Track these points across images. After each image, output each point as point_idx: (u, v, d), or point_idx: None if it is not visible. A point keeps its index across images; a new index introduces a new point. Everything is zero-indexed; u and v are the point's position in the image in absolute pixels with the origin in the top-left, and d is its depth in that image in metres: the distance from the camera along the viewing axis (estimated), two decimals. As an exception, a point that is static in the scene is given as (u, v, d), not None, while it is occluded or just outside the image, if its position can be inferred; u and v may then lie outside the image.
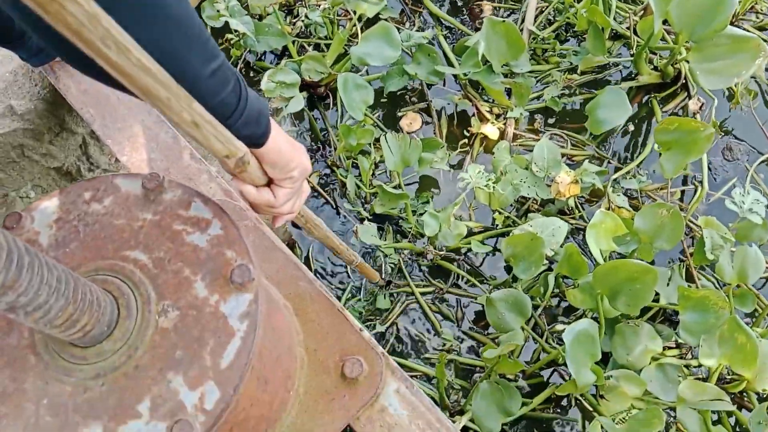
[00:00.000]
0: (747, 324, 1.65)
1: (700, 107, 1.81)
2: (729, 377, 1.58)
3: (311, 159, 1.89)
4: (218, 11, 1.85)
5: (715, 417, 1.55)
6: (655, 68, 1.91)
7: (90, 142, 1.01)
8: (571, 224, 1.73)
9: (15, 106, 0.88)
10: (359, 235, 1.67)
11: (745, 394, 1.56)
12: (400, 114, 1.92)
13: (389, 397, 0.76)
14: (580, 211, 1.75)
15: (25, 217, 0.60)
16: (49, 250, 0.59)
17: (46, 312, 0.46)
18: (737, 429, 1.55)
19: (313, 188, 1.82)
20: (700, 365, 1.55)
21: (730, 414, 1.55)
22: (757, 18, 1.99)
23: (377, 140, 1.84)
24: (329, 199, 1.81)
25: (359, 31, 1.96)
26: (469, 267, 1.73)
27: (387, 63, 1.80)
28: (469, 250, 1.71)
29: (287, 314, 0.75)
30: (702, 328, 1.50)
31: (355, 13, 1.98)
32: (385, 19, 2.02)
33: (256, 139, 0.68)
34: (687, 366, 1.56)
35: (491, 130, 1.84)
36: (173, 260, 0.58)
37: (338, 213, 1.80)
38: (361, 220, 1.76)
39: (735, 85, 1.80)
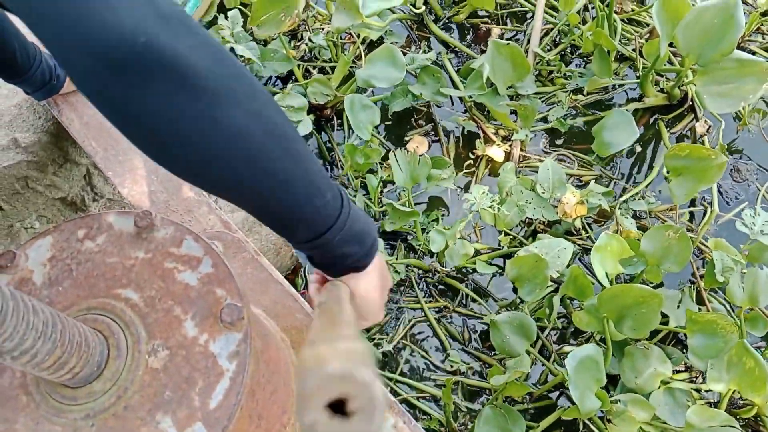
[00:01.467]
0: (760, 348, 1.63)
1: (708, 129, 1.80)
2: (740, 402, 1.55)
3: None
4: (223, 37, 1.87)
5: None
6: (662, 90, 1.90)
7: (94, 172, 1.02)
8: (578, 245, 1.72)
9: (19, 139, 0.90)
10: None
11: (759, 419, 1.54)
12: (407, 138, 1.93)
13: (387, 431, 0.76)
14: (587, 232, 1.74)
15: (19, 255, 0.61)
16: (43, 288, 0.60)
17: (33, 356, 0.46)
18: (750, 455, 1.52)
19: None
20: (710, 390, 1.53)
21: (741, 439, 1.52)
22: (764, 39, 1.98)
23: (384, 159, 1.85)
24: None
25: (363, 54, 1.98)
26: (476, 286, 1.73)
27: (392, 84, 1.81)
28: (476, 270, 1.70)
29: (284, 347, 0.75)
30: (710, 352, 1.48)
31: (359, 36, 2.00)
32: (390, 43, 2.04)
33: (359, 258, 0.63)
34: (697, 390, 1.54)
35: (497, 152, 1.84)
36: (164, 299, 0.59)
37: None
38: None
39: (742, 108, 1.79)
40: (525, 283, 1.57)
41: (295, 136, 0.54)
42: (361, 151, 1.76)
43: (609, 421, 1.50)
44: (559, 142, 1.90)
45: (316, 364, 0.37)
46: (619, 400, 1.48)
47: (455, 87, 1.95)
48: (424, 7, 2.09)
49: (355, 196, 1.82)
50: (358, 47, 1.99)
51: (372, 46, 2.06)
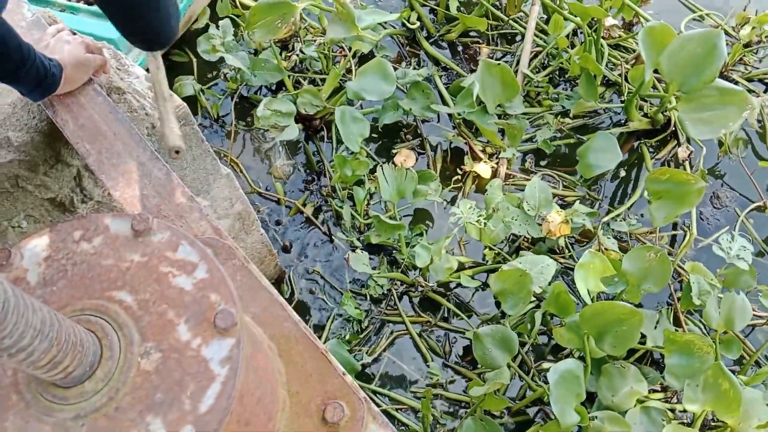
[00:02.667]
0: (733, 371, 1.66)
1: (689, 155, 1.84)
2: (713, 423, 1.58)
3: (306, 189, 1.91)
4: (213, 45, 1.88)
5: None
6: (646, 115, 1.95)
7: (84, 174, 1.02)
8: (561, 263, 1.75)
9: (12, 138, 0.90)
10: (351, 262, 1.68)
11: (731, 439, 1.56)
12: (394, 151, 1.95)
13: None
14: (570, 251, 1.77)
15: (14, 254, 0.61)
16: (37, 288, 0.60)
17: (29, 354, 0.47)
18: (721, 476, 1.54)
19: (306, 218, 1.84)
20: (685, 410, 1.55)
21: (714, 459, 1.54)
22: (746, 69, 2.04)
23: (371, 172, 1.86)
24: (323, 228, 1.83)
25: (353, 67, 2.00)
26: (458, 301, 1.74)
27: (382, 98, 1.83)
28: (459, 284, 1.72)
29: (271, 355, 0.76)
30: (687, 372, 1.50)
31: (350, 49, 2.02)
32: (382, 56, 2.06)
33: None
34: (672, 410, 1.56)
35: (484, 169, 1.86)
36: (158, 302, 0.59)
37: (331, 241, 1.81)
38: (354, 249, 1.77)
39: (724, 135, 1.84)
40: (508, 298, 1.59)
41: None
42: (350, 162, 1.77)
43: (586, 438, 1.52)
44: (543, 162, 1.93)
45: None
46: (596, 417, 1.50)
47: (445, 103, 1.98)
48: (418, 23, 2.12)
49: (341, 207, 1.83)
50: (349, 60, 2.01)
51: (363, 59, 2.09)
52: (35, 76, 0.87)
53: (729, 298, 1.57)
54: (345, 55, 2.10)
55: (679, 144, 1.90)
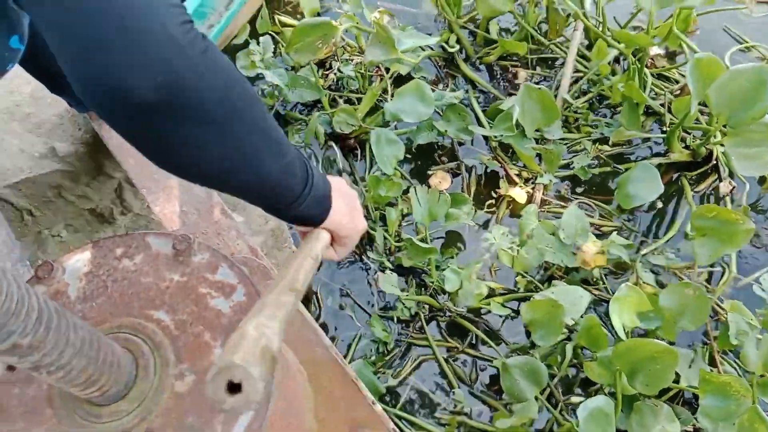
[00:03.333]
0: (769, 416, 1.60)
1: (731, 190, 1.79)
2: (747, 471, 1.52)
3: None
4: (253, 62, 1.90)
5: None
6: (687, 147, 1.91)
7: (125, 186, 1.04)
8: (594, 295, 1.71)
9: (57, 148, 0.91)
10: (380, 283, 1.67)
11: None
12: (429, 172, 1.94)
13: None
14: (604, 283, 1.73)
15: (57, 268, 0.61)
16: (77, 302, 0.60)
17: (68, 372, 0.46)
18: None
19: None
20: (717, 454, 1.50)
21: None
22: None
23: (404, 192, 1.85)
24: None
25: (390, 88, 2.01)
26: (487, 328, 1.71)
27: (419, 119, 1.83)
28: (489, 311, 1.69)
29: (300, 380, 0.75)
30: (722, 414, 1.45)
31: (387, 70, 2.02)
32: (419, 78, 2.06)
33: (314, 218, 0.79)
34: (704, 453, 1.51)
35: (519, 193, 1.84)
36: (195, 323, 0.59)
37: (361, 260, 1.80)
38: (383, 270, 1.76)
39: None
40: (539, 328, 1.56)
41: (282, 143, 0.67)
42: (383, 183, 1.77)
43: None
44: (579, 189, 1.90)
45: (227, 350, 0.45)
46: (626, 457, 1.46)
47: (481, 126, 1.97)
48: (457, 46, 2.12)
49: (374, 228, 1.82)
50: (386, 81, 2.02)
51: (399, 80, 2.09)
52: None
53: (768, 339, 1.52)
54: (382, 76, 2.10)
55: (720, 179, 1.86)
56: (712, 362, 1.63)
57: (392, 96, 1.88)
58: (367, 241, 1.84)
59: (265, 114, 0.64)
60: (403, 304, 1.72)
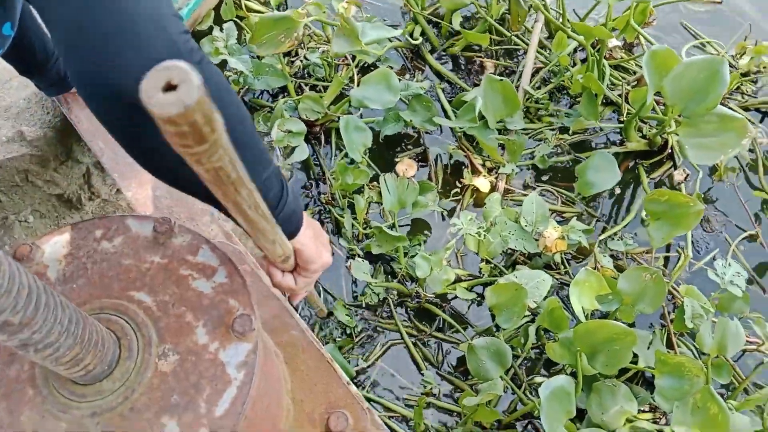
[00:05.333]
0: (722, 395, 1.67)
1: (685, 178, 1.87)
2: (701, 443, 1.59)
3: (305, 195, 1.92)
4: (217, 48, 1.89)
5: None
6: (644, 136, 1.97)
7: (94, 172, 1.02)
8: (556, 279, 1.76)
9: (25, 132, 0.90)
10: (352, 270, 1.69)
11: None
12: (396, 159, 1.96)
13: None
14: (565, 267, 1.79)
15: (35, 250, 0.61)
16: (57, 284, 0.60)
17: (55, 350, 0.47)
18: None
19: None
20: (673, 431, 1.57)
21: (699, 481, 1.55)
22: (743, 98, 2.07)
23: (371, 180, 1.87)
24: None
25: (356, 76, 2.02)
26: (453, 313, 1.75)
27: (385, 107, 1.85)
28: (455, 296, 1.73)
29: (278, 362, 0.76)
30: (676, 394, 1.51)
31: (354, 59, 2.03)
32: (387, 67, 2.08)
33: (289, 235, 0.77)
34: (660, 431, 1.58)
35: (483, 183, 1.88)
36: (177, 304, 0.59)
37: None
38: (353, 257, 1.78)
39: (719, 161, 1.87)
40: (503, 311, 1.60)
41: (266, 155, 0.69)
42: (351, 171, 1.78)
43: (575, 454, 1.53)
44: (544, 178, 1.95)
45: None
46: (586, 435, 1.51)
47: (447, 117, 2.00)
48: (421, 39, 2.14)
49: (342, 215, 1.83)
50: (352, 70, 2.03)
51: (365, 69, 2.10)
52: (56, 74, 0.88)
53: (722, 323, 1.59)
54: (348, 64, 2.11)
55: (675, 167, 1.93)
56: (670, 344, 1.70)
57: (358, 84, 1.89)
58: (334, 228, 1.86)
59: (254, 127, 0.66)
60: (372, 290, 1.74)
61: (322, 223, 1.88)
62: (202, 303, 0.60)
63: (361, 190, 1.87)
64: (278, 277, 0.81)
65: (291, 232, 0.78)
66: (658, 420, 1.65)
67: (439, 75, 2.15)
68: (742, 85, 2.09)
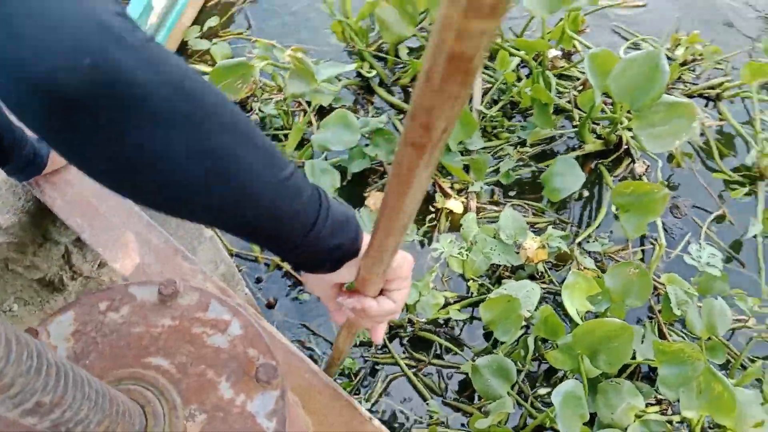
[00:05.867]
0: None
1: (646, 169, 1.93)
2: (711, 429, 1.61)
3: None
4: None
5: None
6: (599, 137, 2.04)
7: (73, 250, 1.00)
8: (542, 288, 1.78)
9: (0, 221, 0.88)
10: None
11: (729, 443, 1.58)
12: (365, 194, 1.97)
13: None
14: (549, 276, 1.81)
15: (41, 333, 0.59)
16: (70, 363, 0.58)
17: (86, 426, 0.45)
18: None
19: (286, 272, 1.83)
20: (682, 420, 1.58)
21: (717, 464, 1.56)
22: (685, 86, 2.17)
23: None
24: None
25: (314, 120, 2.04)
26: (448, 336, 1.75)
27: (347, 147, 1.86)
28: (448, 320, 1.73)
29: (297, 408, 0.74)
30: (680, 381, 1.53)
31: (309, 103, 2.05)
32: (341, 107, 2.11)
33: (349, 246, 0.62)
34: (670, 422, 1.58)
35: (455, 205, 1.90)
36: (195, 363, 0.58)
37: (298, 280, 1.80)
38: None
39: (674, 148, 1.93)
40: (499, 325, 1.60)
41: (276, 154, 0.55)
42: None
43: (592, 458, 1.52)
44: (511, 192, 1.99)
45: None
46: (600, 437, 1.51)
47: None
48: (374, 72, 2.18)
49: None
50: (309, 115, 2.05)
51: (322, 113, 2.12)
52: (25, 161, 0.85)
53: (708, 304, 1.62)
54: (304, 110, 2.13)
55: (634, 161, 1.99)
56: (661, 334, 1.72)
57: (318, 128, 1.91)
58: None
59: (246, 117, 0.52)
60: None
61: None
62: (221, 358, 0.58)
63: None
64: (375, 307, 0.67)
65: (353, 239, 0.62)
66: (665, 411, 1.67)
67: (393, 107, 2.19)
68: (682, 75, 2.19)
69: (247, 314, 0.61)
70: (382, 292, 0.69)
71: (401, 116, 2.16)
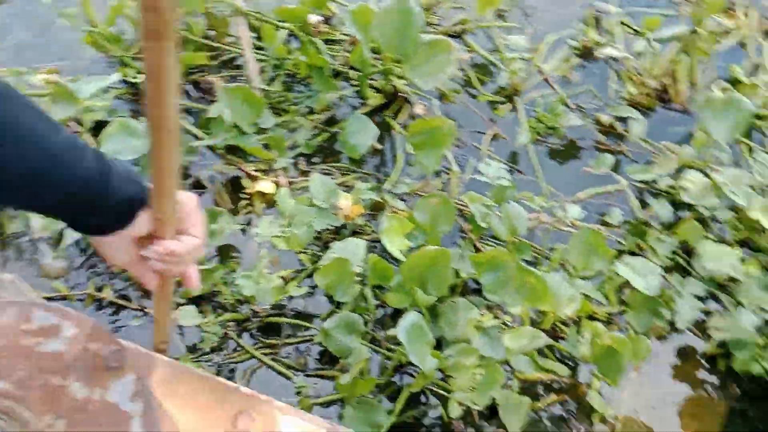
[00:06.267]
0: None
1: (424, 109, 2.10)
2: (538, 318, 1.81)
3: (83, 268, 1.78)
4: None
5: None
6: (378, 90, 2.16)
7: None
8: (367, 240, 1.86)
9: None
10: (181, 320, 1.61)
11: (555, 327, 1.80)
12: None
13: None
14: (370, 227, 1.90)
15: None
16: None
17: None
18: (559, 356, 1.77)
19: (110, 302, 1.71)
20: (513, 317, 1.77)
21: (551, 348, 1.77)
22: (434, 29, 2.38)
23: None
24: (133, 304, 1.72)
25: (93, 140, 1.91)
26: (296, 314, 1.77)
27: (139, 154, 1.78)
28: (291, 298, 1.75)
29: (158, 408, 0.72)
30: (500, 284, 1.70)
31: (80, 123, 1.92)
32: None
33: (139, 194, 0.65)
34: (504, 323, 1.76)
35: (266, 186, 1.91)
36: (35, 375, 0.54)
37: (145, 314, 1.71)
38: (177, 306, 1.69)
39: (443, 83, 2.12)
40: (337, 287, 1.66)
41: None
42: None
43: (449, 377, 1.65)
44: (316, 159, 2.04)
45: None
46: (450, 355, 1.63)
47: (200, 140, 1.98)
48: (140, 77, 2.09)
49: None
50: (83, 135, 1.91)
51: (99, 126, 1.98)
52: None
53: (505, 211, 1.83)
54: (79, 133, 1.98)
55: (411, 104, 2.15)
56: (476, 249, 1.90)
57: (99, 144, 1.79)
58: (144, 293, 1.75)
59: (18, 91, 0.57)
60: (208, 331, 1.68)
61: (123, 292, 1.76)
62: (63, 361, 0.55)
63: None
64: (180, 245, 0.68)
65: (142, 184, 0.66)
66: (497, 315, 1.84)
67: (175, 107, 2.11)
68: (428, 19, 2.39)
69: (77, 312, 0.58)
70: (180, 234, 0.71)
71: (186, 114, 2.10)
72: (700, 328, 1.81)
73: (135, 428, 0.53)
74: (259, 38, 2.24)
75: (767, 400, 1.72)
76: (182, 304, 1.69)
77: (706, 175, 1.92)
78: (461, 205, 1.96)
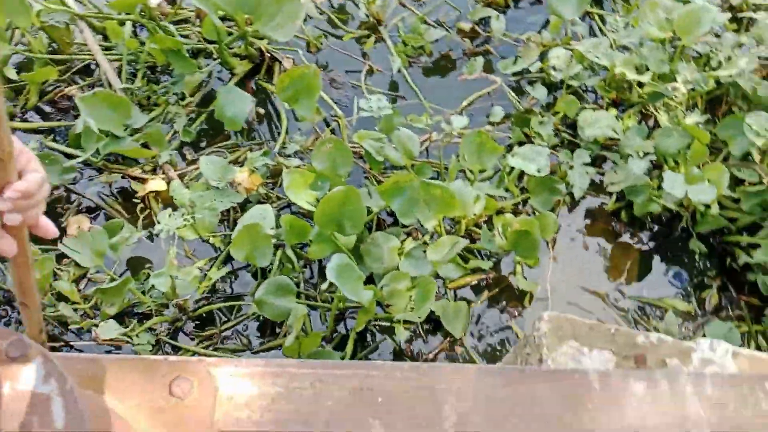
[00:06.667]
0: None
1: (294, 63, 2.09)
2: (453, 229, 1.88)
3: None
4: None
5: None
6: (242, 57, 2.13)
7: None
8: (276, 206, 1.86)
9: None
10: (103, 336, 1.57)
11: (470, 231, 1.87)
12: (63, 224, 1.82)
13: (228, 383, 0.79)
14: (274, 194, 1.90)
15: None
16: None
17: None
18: (480, 257, 1.85)
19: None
20: (432, 234, 1.82)
21: (470, 250, 1.84)
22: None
23: (60, 257, 1.72)
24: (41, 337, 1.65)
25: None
26: (225, 297, 1.76)
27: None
28: (215, 285, 1.74)
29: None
30: (409, 205, 1.72)
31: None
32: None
33: None
34: (424, 243, 1.81)
35: (158, 184, 1.86)
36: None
37: (68, 344, 1.66)
38: (96, 326, 1.64)
39: (298, 29, 2.11)
40: (255, 255, 1.66)
41: None
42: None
43: (389, 306, 1.70)
44: (202, 144, 2.01)
45: None
46: (384, 285, 1.68)
47: (73, 158, 1.89)
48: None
49: (55, 310, 1.66)
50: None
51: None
52: None
53: (396, 137, 1.86)
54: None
55: (279, 61, 2.13)
56: (379, 182, 1.92)
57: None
58: (57, 325, 1.69)
59: None
60: (137, 342, 1.65)
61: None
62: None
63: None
64: (26, 183, 0.68)
65: None
66: (416, 237, 1.89)
67: (37, 131, 2.01)
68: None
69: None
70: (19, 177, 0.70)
71: (52, 135, 2.00)
72: (601, 190, 1.93)
73: (57, 407, 0.54)
74: (106, 38, 2.14)
75: (671, 235, 1.88)
76: (93, 327, 1.64)
77: (570, 50, 2.02)
78: (354, 144, 1.98)
